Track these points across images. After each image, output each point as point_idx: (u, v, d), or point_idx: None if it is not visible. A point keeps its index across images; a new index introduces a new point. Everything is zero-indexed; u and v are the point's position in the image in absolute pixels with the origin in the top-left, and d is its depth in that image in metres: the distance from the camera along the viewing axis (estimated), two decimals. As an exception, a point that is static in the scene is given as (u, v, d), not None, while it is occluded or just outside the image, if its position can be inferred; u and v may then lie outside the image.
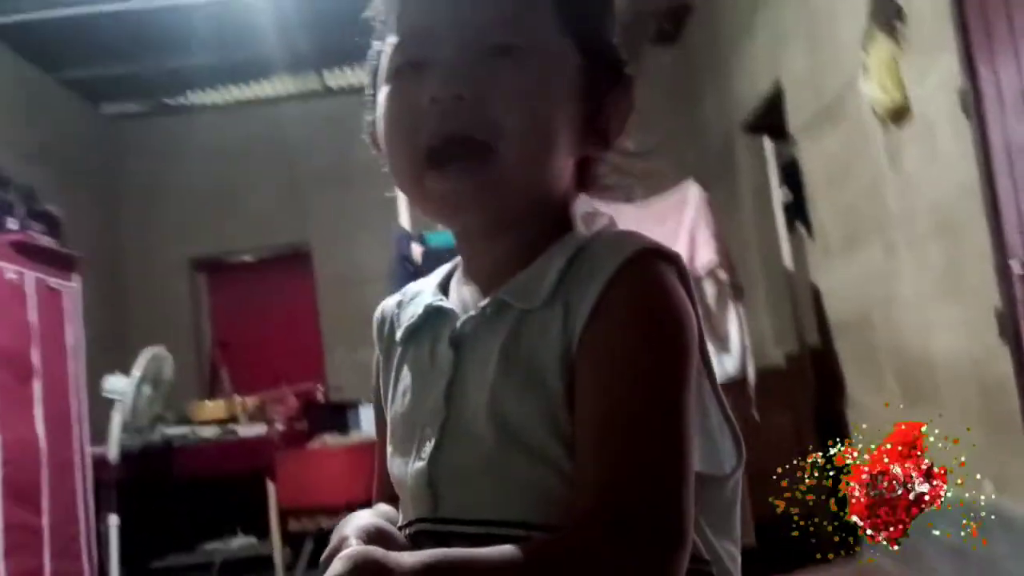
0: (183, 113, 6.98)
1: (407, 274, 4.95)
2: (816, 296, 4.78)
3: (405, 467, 0.77)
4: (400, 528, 0.78)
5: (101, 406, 4.89)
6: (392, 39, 0.77)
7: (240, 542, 5.62)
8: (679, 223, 4.21)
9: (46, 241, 4.57)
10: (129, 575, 4.72)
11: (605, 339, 0.68)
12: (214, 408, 5.60)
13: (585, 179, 0.81)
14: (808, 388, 4.74)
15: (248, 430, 5.31)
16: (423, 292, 0.84)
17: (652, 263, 0.70)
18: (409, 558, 0.62)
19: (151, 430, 4.95)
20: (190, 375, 6.37)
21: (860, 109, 3.63)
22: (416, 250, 4.83)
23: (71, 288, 4.78)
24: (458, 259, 0.84)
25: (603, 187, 0.82)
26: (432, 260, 4.75)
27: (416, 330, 0.81)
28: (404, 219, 4.76)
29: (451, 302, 0.80)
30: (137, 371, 4.90)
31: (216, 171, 6.80)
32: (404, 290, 0.87)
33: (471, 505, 0.72)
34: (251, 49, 5.79)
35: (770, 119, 4.97)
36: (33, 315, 4.38)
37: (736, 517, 0.76)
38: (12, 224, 4.35)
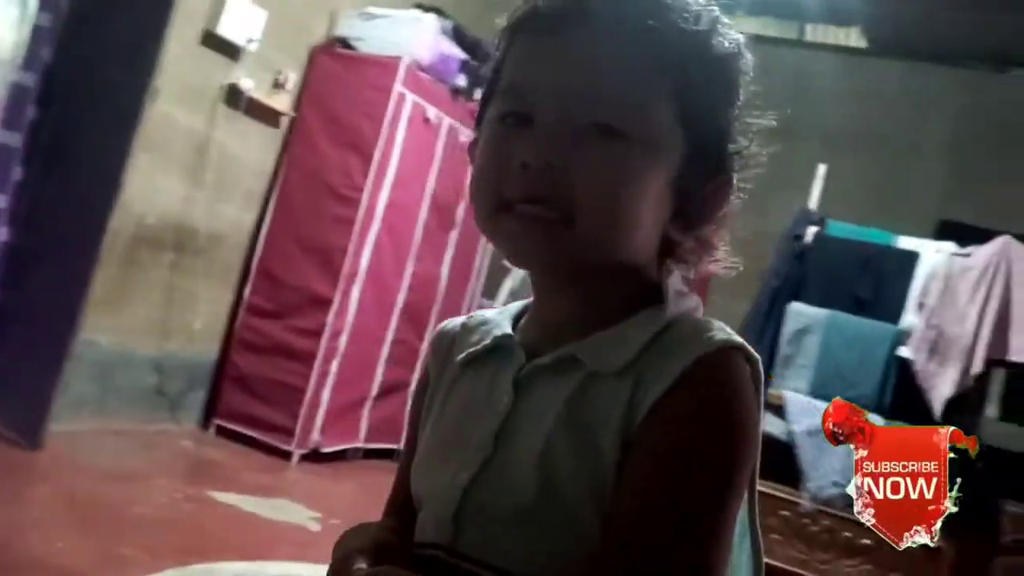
0: None
1: (791, 252, 4.70)
2: None
3: (434, 489, 0.75)
4: (415, 545, 0.76)
5: (497, 269, 4.86)
6: (506, 78, 0.75)
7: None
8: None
9: (497, 113, 4.92)
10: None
11: (667, 428, 0.66)
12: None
13: (668, 250, 0.78)
14: None
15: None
16: (492, 322, 0.82)
17: (731, 361, 0.68)
18: None
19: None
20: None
21: None
22: (810, 230, 4.45)
23: (505, 157, 4.82)
24: (531, 299, 0.81)
25: (684, 260, 0.80)
26: (824, 246, 4.71)
27: (478, 358, 0.79)
28: (813, 200, 4.62)
29: (519, 341, 0.78)
30: (536, 244, 4.60)
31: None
32: (471, 315, 0.86)
33: (490, 549, 0.70)
34: None
35: None
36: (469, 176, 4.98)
37: None
38: (478, 94, 4.77)
